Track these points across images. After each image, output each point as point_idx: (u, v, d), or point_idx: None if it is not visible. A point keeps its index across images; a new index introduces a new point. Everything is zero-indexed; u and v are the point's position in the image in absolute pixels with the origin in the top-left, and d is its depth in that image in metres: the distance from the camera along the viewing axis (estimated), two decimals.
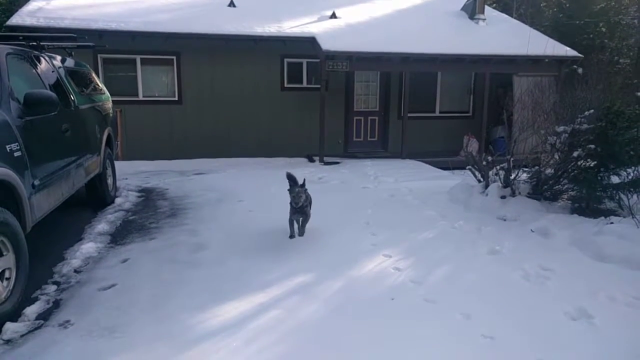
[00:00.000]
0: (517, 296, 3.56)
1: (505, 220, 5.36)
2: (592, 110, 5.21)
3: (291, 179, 4.70)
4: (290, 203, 4.48)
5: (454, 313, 3.26)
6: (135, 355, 2.71)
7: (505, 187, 5.77)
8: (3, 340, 2.84)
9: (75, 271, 3.93)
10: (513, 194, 5.68)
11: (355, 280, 3.80)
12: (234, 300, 3.39)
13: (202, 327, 3.03)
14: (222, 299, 3.39)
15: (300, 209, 4.45)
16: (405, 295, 3.55)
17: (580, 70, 10.82)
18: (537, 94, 6.29)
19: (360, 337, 2.94)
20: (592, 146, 5.08)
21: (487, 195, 5.85)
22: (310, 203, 4.66)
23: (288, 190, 4.48)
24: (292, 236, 4.55)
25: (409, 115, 10.73)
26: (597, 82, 5.73)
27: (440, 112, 11.93)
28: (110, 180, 6.26)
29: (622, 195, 4.86)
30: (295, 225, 4.61)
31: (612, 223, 4.40)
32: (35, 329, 2.99)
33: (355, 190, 7.29)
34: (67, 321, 3.08)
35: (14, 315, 3.06)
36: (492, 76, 11.30)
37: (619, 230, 4.21)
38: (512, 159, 5.84)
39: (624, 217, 4.63)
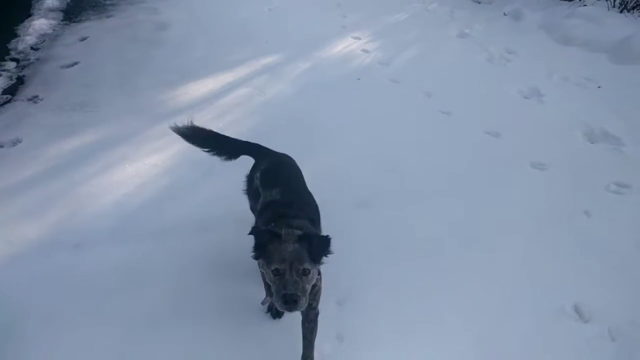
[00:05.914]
0: (478, 77, 3.69)
1: (479, 3, 5.19)
2: None
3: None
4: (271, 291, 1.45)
5: (416, 92, 3.41)
6: (108, 127, 2.82)
7: None
8: None
9: (32, 48, 3.77)
10: None
11: (323, 61, 3.82)
12: (202, 78, 3.40)
13: (172, 102, 3.10)
14: (190, 78, 3.40)
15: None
16: (371, 75, 3.63)
17: None
18: None
19: (324, 112, 3.10)
20: None
21: None
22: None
23: (253, 252, 1.41)
24: None
25: None
26: None
27: None
28: None
29: None
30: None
31: (585, 5, 4.33)
32: (5, 103, 3.02)
33: None
34: (36, 96, 3.09)
35: None
36: None
37: (588, 13, 4.18)
38: None
39: None
